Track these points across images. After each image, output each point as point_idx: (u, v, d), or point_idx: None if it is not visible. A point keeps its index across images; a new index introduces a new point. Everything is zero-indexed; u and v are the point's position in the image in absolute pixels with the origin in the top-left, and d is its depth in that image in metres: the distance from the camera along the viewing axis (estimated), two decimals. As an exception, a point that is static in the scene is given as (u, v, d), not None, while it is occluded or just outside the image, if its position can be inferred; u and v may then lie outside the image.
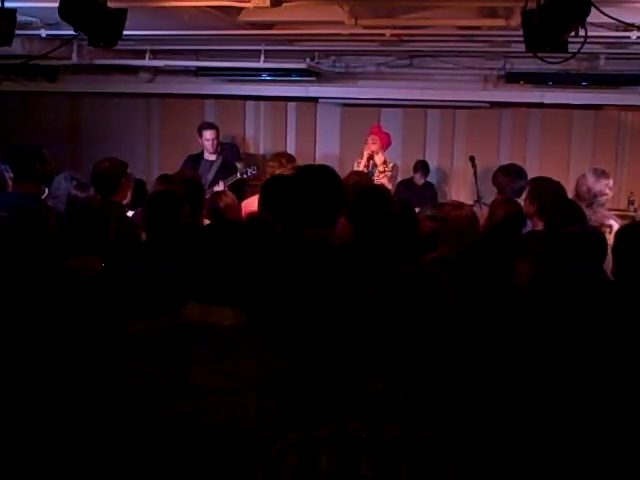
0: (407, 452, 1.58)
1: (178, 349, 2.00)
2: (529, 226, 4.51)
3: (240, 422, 1.92)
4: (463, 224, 3.87)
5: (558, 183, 4.63)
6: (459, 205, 4.33)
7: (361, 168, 6.43)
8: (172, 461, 1.96)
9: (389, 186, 6.31)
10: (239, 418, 1.92)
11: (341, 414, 1.65)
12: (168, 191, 4.00)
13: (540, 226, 4.29)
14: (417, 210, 4.51)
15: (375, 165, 6.57)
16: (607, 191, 4.74)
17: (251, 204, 4.61)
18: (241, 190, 6.61)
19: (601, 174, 4.81)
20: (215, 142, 7.33)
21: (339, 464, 1.59)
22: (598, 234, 3.43)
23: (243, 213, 4.66)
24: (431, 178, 8.68)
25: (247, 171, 6.83)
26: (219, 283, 2.05)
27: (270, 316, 2.44)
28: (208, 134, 7.28)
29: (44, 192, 4.84)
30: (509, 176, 5.07)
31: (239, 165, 8.20)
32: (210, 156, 7.34)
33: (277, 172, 5.23)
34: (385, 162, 6.68)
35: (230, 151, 8.43)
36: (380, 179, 6.43)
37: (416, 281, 1.73)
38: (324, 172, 2.93)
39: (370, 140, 6.53)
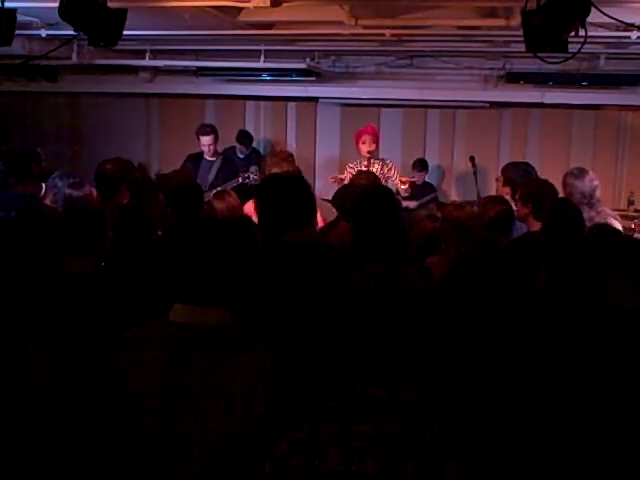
0: (412, 451, 1.59)
1: (167, 353, 2.00)
2: (524, 228, 4.51)
3: (229, 419, 1.93)
4: (465, 224, 3.87)
5: (546, 181, 4.62)
6: (460, 205, 4.33)
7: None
8: (160, 464, 1.96)
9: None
10: (228, 415, 1.93)
11: (345, 414, 1.65)
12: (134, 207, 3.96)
13: (537, 227, 4.28)
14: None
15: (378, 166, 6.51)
16: (596, 184, 4.75)
17: (250, 207, 4.63)
18: (247, 192, 6.56)
19: (581, 172, 4.80)
20: (213, 147, 7.31)
21: (345, 464, 1.59)
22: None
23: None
24: (431, 178, 8.68)
25: (249, 176, 6.77)
26: (203, 284, 2.05)
27: (256, 314, 2.44)
28: (204, 140, 7.25)
29: (42, 190, 4.83)
30: (525, 176, 5.09)
31: (253, 168, 8.20)
32: (210, 157, 7.34)
33: (274, 171, 5.23)
34: (384, 160, 6.66)
35: (255, 158, 8.40)
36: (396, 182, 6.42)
37: (387, 279, 1.73)
38: (289, 180, 3.09)
39: (368, 140, 6.50)
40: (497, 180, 5.39)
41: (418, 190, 7.81)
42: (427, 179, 8.40)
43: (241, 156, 8.27)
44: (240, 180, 6.74)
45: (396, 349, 1.66)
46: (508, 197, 5.04)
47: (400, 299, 1.68)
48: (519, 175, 5.09)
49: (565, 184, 4.76)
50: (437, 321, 1.71)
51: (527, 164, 5.47)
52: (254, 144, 9.08)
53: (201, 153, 7.38)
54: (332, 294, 1.78)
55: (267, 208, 2.98)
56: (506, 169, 5.27)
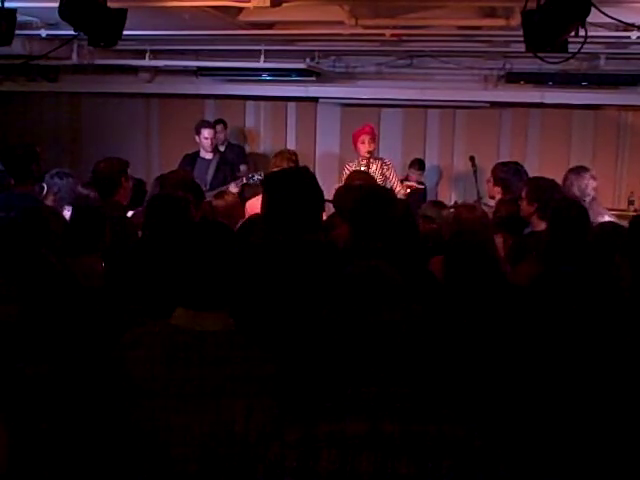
0: (406, 448, 1.59)
1: (167, 357, 1.99)
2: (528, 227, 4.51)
3: (229, 425, 1.92)
4: (474, 226, 3.85)
5: (553, 181, 4.63)
6: (472, 207, 4.32)
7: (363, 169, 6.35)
8: (164, 467, 1.96)
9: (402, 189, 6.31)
10: (228, 422, 1.92)
11: (339, 413, 1.65)
12: (173, 196, 3.85)
13: (541, 226, 4.28)
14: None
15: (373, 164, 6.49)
16: (594, 183, 4.79)
17: (254, 205, 4.61)
18: (241, 191, 6.58)
19: (581, 170, 4.85)
20: (213, 141, 7.31)
21: (339, 463, 1.59)
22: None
23: (247, 214, 4.67)
24: (431, 178, 8.68)
25: (253, 176, 6.76)
26: (207, 289, 2.03)
27: (259, 319, 2.43)
28: (207, 132, 7.24)
29: (43, 190, 4.83)
30: (516, 175, 5.10)
31: (242, 167, 8.22)
32: (207, 155, 7.29)
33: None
34: (383, 159, 6.64)
35: (236, 151, 8.44)
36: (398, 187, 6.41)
37: (368, 278, 1.73)
38: (299, 177, 2.94)
39: (367, 139, 6.48)
40: (487, 181, 5.40)
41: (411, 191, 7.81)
42: (427, 179, 8.40)
43: (222, 149, 8.21)
44: (244, 180, 6.74)
45: (383, 347, 1.67)
46: (499, 197, 5.05)
47: (381, 297, 1.69)
48: (509, 174, 5.10)
49: (565, 178, 4.83)
50: (422, 319, 1.72)
51: (516, 163, 5.45)
52: (255, 144, 9.10)
53: (197, 152, 7.36)
54: (320, 295, 1.78)
55: (273, 206, 2.88)
56: (496, 169, 5.26)
